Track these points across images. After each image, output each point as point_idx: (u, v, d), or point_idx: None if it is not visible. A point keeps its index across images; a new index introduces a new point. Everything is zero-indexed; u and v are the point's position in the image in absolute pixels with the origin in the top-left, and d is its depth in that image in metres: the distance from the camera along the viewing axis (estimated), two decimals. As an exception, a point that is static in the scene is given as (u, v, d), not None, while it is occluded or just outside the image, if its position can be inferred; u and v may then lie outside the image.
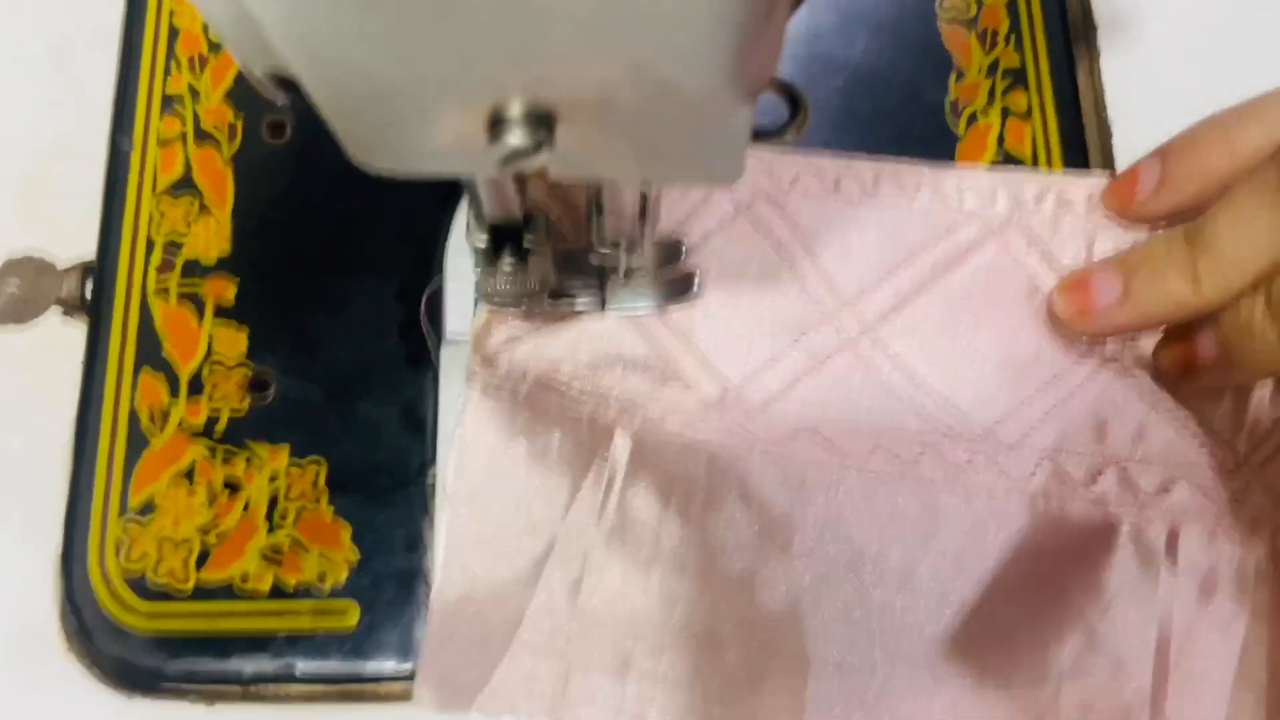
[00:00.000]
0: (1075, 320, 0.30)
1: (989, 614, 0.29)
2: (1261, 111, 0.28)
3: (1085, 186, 0.32)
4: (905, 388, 0.32)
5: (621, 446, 0.30)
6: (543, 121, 0.18)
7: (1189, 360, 0.29)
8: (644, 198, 0.29)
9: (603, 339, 0.32)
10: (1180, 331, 0.29)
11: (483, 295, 0.29)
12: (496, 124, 0.18)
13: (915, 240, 0.32)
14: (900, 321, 0.32)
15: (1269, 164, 0.26)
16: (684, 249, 0.33)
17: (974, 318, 0.32)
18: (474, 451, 0.31)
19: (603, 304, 0.32)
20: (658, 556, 0.30)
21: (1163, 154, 0.30)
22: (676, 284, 0.33)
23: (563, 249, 0.31)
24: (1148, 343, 0.31)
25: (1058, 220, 0.32)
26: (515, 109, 0.18)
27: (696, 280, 0.33)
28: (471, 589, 0.30)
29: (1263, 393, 0.31)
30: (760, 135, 0.21)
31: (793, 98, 0.21)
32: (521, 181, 0.26)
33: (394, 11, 0.15)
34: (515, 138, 0.18)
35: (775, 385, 0.32)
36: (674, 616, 0.30)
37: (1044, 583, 0.29)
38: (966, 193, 0.32)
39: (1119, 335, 0.31)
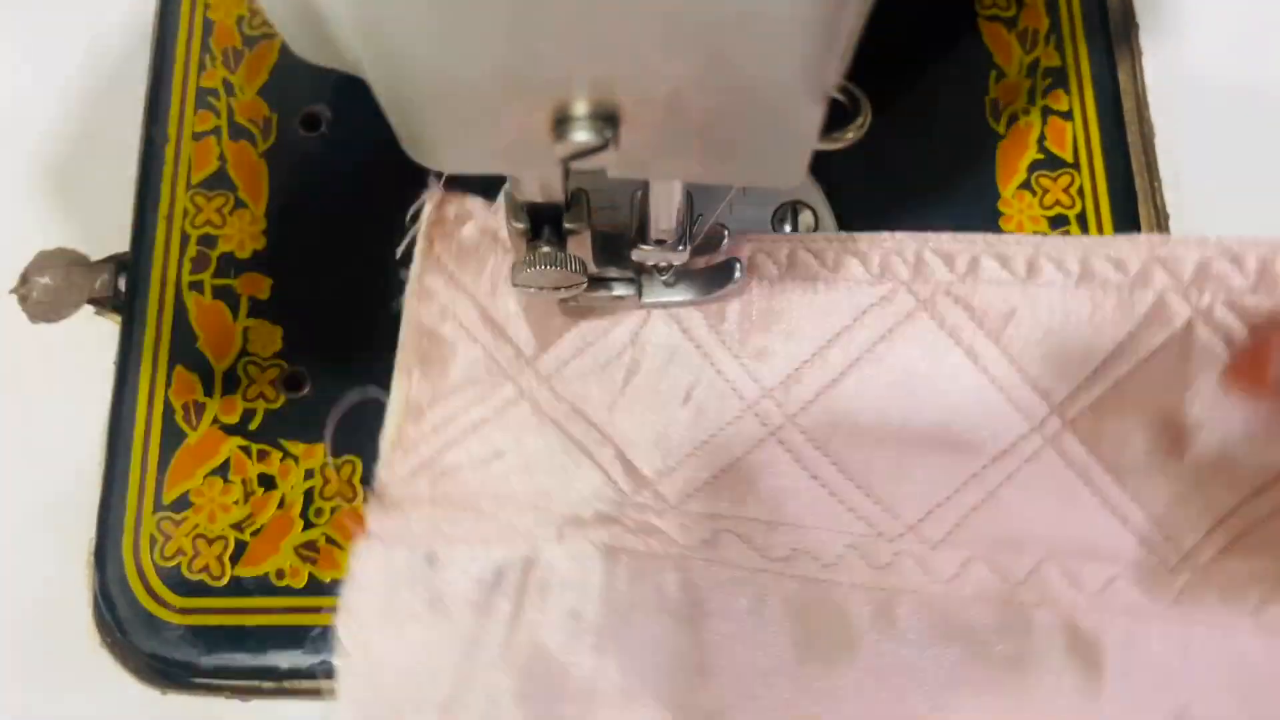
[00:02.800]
0: (1257, 394, 0.27)
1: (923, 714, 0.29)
2: None
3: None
4: (830, 480, 0.31)
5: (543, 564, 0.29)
6: (609, 120, 0.17)
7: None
8: (689, 197, 0.29)
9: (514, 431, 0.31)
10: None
11: (518, 282, 0.29)
12: (561, 122, 0.18)
13: (844, 318, 0.31)
14: (826, 407, 0.31)
15: None
16: (725, 236, 0.32)
17: (905, 401, 0.30)
18: (365, 602, 0.29)
19: (640, 294, 0.32)
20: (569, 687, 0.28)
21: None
22: (716, 273, 0.32)
23: (603, 231, 0.30)
24: (1094, 424, 0.30)
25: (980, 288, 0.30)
26: (581, 107, 0.17)
27: (738, 268, 0.32)
28: None
29: (1203, 482, 0.29)
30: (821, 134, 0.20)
31: (852, 97, 0.21)
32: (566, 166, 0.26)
33: (470, 7, 0.15)
34: (581, 134, 0.17)
35: (691, 481, 0.31)
36: None
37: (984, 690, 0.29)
38: (893, 260, 0.30)
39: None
